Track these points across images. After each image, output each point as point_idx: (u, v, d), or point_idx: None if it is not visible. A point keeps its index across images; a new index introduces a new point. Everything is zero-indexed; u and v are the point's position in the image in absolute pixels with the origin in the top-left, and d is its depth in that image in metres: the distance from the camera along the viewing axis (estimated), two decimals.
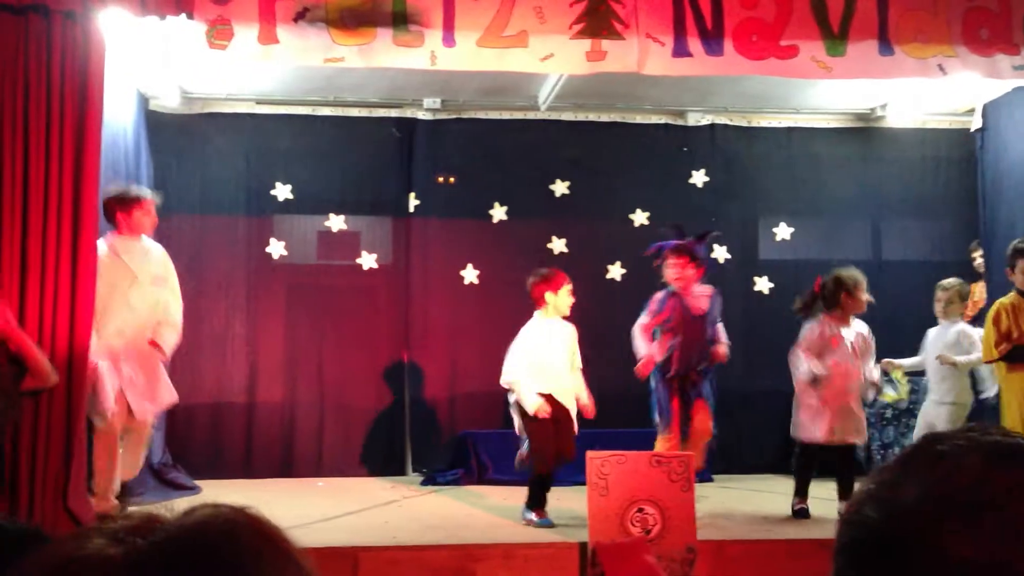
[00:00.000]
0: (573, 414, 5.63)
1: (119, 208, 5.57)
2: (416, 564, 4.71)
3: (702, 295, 5.84)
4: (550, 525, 5.32)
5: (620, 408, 6.54)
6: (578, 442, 5.63)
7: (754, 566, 4.85)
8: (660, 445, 5.64)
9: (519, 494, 5.76)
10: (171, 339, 5.70)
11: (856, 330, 5.80)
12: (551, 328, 5.66)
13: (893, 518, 0.83)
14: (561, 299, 5.66)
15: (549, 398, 5.51)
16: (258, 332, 7.61)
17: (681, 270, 5.77)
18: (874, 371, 5.82)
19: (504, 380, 5.65)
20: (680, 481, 4.59)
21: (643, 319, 5.84)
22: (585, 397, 5.67)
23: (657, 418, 5.75)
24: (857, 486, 0.89)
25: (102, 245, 5.43)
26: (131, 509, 0.81)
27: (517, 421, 5.65)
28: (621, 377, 6.00)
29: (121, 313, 5.45)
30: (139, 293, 5.54)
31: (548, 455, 5.48)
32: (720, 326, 5.93)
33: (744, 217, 8.15)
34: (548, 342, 5.61)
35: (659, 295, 5.85)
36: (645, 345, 5.78)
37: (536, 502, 5.46)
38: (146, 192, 5.79)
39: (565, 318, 5.73)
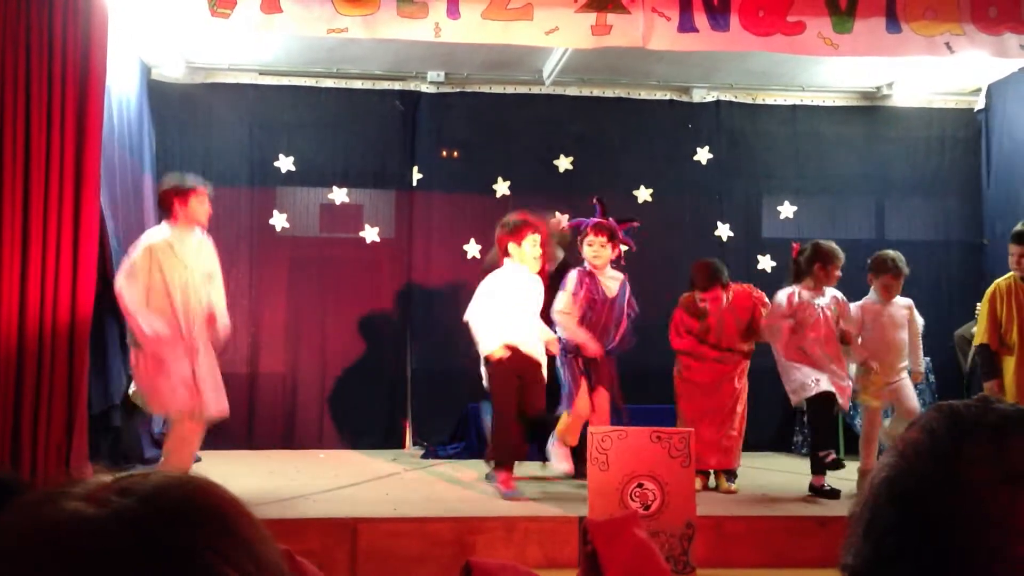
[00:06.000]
0: (543, 366, 5.60)
1: (177, 198, 5.35)
2: (416, 536, 4.73)
3: (614, 279, 5.73)
4: (514, 498, 5.28)
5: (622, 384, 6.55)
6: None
7: (753, 543, 4.87)
8: (563, 424, 5.59)
9: (521, 469, 5.78)
10: (222, 328, 5.56)
11: (830, 295, 5.79)
12: (519, 278, 5.61)
13: (958, 494, 0.83)
14: (525, 249, 5.57)
15: (514, 350, 5.48)
16: (260, 304, 7.62)
17: (600, 248, 5.63)
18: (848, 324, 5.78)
19: (466, 317, 5.63)
20: (680, 457, 4.60)
21: (566, 301, 5.60)
22: (549, 336, 5.66)
23: (563, 399, 5.68)
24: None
25: (158, 234, 5.37)
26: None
27: (485, 376, 5.63)
28: (622, 354, 6.01)
29: (170, 305, 5.25)
30: (192, 287, 5.34)
31: (508, 404, 5.46)
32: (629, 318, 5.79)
33: (748, 195, 8.13)
34: (515, 292, 5.56)
35: (572, 273, 5.69)
36: (580, 332, 5.59)
37: (500, 456, 5.43)
38: (201, 181, 5.51)
39: (541, 272, 5.69)
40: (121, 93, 6.42)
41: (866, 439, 5.88)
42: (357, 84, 7.74)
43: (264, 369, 7.56)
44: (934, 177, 8.09)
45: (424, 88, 7.78)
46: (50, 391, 4.83)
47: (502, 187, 7.79)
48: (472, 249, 7.73)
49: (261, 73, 7.60)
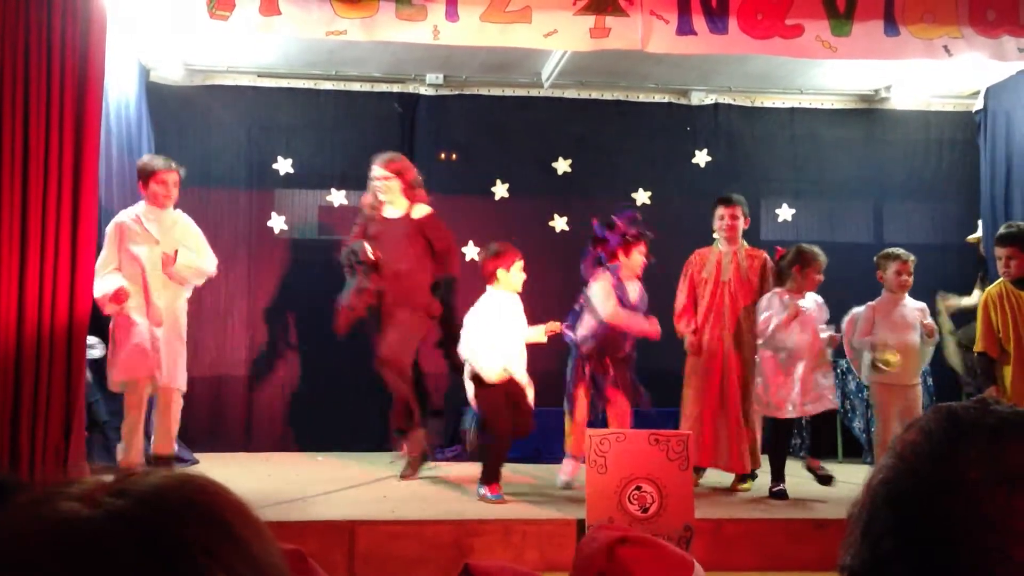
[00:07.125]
0: (529, 390, 5.62)
1: (140, 180, 5.74)
2: (414, 539, 4.72)
3: (633, 282, 5.86)
4: (501, 501, 5.30)
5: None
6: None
7: (751, 545, 4.87)
8: (568, 427, 5.68)
9: (518, 471, 5.78)
10: (190, 268, 5.76)
11: (812, 300, 5.82)
12: (504, 303, 5.63)
13: (954, 494, 0.83)
14: (513, 276, 5.63)
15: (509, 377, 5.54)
16: (259, 306, 7.61)
17: (645, 257, 5.80)
18: (828, 330, 5.80)
19: (461, 353, 5.64)
20: (678, 460, 4.60)
21: (612, 304, 5.71)
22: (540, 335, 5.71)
23: (565, 401, 5.77)
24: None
25: (131, 210, 5.69)
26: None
27: (471, 390, 5.63)
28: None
29: (140, 275, 5.58)
30: (157, 262, 5.63)
31: (502, 426, 5.47)
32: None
33: (746, 197, 8.07)
34: (501, 317, 5.58)
35: (607, 277, 5.78)
36: (637, 317, 5.75)
37: (491, 476, 5.42)
38: (160, 164, 5.77)
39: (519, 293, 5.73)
40: (119, 95, 6.42)
41: (880, 442, 5.89)
42: (356, 86, 7.74)
43: (262, 371, 7.55)
44: (932, 180, 8.10)
45: (423, 90, 7.78)
46: (48, 392, 4.83)
47: (501, 189, 7.79)
48: (471, 251, 7.72)
49: (260, 75, 7.60)
